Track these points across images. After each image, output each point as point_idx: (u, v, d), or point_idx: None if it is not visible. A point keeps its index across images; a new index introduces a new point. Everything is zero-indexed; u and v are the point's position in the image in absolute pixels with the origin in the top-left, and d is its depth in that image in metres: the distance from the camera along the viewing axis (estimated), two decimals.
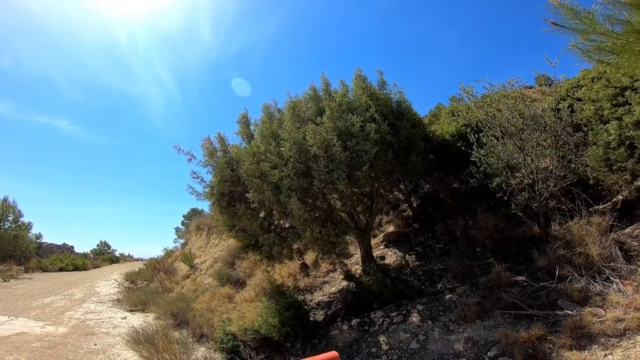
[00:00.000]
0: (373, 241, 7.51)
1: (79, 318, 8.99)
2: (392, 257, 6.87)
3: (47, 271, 23.38)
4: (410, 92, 14.78)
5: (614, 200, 5.12)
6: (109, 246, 41.78)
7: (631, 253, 4.12)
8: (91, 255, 37.66)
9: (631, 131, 4.55)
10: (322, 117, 5.46)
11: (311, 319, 5.55)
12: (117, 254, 41.85)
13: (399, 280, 5.41)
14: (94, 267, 28.94)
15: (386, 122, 5.84)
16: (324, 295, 6.60)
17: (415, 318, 4.59)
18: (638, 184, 4.93)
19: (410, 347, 4.04)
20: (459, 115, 7.02)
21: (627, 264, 3.94)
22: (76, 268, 25.80)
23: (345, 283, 6.43)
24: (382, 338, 4.46)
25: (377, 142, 5.37)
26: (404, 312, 4.81)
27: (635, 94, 4.63)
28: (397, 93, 6.69)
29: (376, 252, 7.13)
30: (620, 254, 4.03)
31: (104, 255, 37.62)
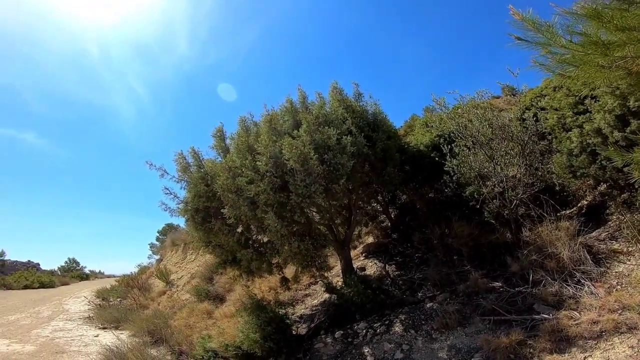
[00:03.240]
0: (353, 253, 7.57)
1: (47, 336, 8.59)
2: (372, 267, 6.95)
3: (11, 289, 22.30)
4: (385, 102, 15.20)
5: (579, 205, 5.40)
6: (77, 263, 40.08)
7: (600, 256, 4.33)
8: (59, 272, 36.03)
9: (592, 138, 4.79)
10: (299, 130, 5.46)
11: (294, 332, 5.52)
12: (87, 270, 40.24)
13: (380, 290, 5.48)
14: (62, 285, 27.73)
15: (362, 134, 5.89)
16: (306, 308, 6.59)
17: (398, 328, 4.65)
18: (601, 189, 5.22)
19: (395, 358, 4.09)
20: (432, 126, 7.23)
21: (596, 267, 4.14)
22: (43, 285, 24.68)
23: (327, 295, 6.44)
24: (366, 349, 4.49)
25: (353, 155, 5.41)
26: (386, 322, 4.86)
27: (595, 102, 4.85)
28: (373, 105, 6.77)
29: (356, 264, 7.18)
30: (589, 257, 4.24)
31: (72, 272, 36.05)
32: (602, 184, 5.20)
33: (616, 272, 4.05)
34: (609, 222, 4.79)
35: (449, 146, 6.00)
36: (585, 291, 3.84)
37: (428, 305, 4.92)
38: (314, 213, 6.21)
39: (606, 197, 5.10)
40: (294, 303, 7.04)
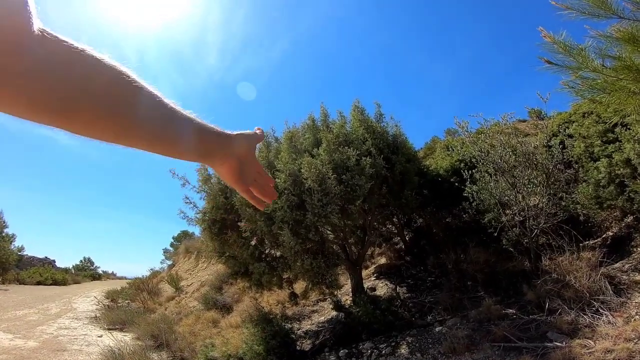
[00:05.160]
0: (364, 272, 7.44)
1: (51, 333, 8.53)
2: (383, 288, 6.80)
3: (24, 284, 22.57)
4: (408, 122, 15.04)
5: (603, 236, 5.19)
6: (92, 262, 40.58)
7: (621, 287, 4.15)
8: (73, 270, 36.47)
9: (621, 169, 4.62)
10: (318, 149, 5.50)
11: (298, 348, 5.42)
12: (100, 271, 40.67)
13: (389, 311, 5.34)
14: (74, 283, 27.99)
15: (382, 156, 5.85)
16: (313, 324, 6.46)
17: (404, 350, 4.49)
18: (628, 221, 5.01)
19: None
20: (453, 150, 7.15)
21: (617, 297, 3.96)
22: (55, 283, 24.91)
23: (334, 313, 6.31)
24: None
25: (372, 177, 5.38)
26: (392, 343, 4.71)
27: (626, 130, 4.68)
28: (394, 126, 6.75)
29: (367, 284, 7.05)
30: (610, 287, 4.05)
31: (85, 272, 36.49)
32: (629, 215, 5.00)
33: (636, 302, 3.87)
34: (634, 254, 4.60)
35: (470, 172, 5.87)
36: (603, 320, 3.67)
37: (437, 329, 4.75)
38: (328, 231, 6.18)
39: (632, 229, 4.91)
40: (300, 318, 6.92)
